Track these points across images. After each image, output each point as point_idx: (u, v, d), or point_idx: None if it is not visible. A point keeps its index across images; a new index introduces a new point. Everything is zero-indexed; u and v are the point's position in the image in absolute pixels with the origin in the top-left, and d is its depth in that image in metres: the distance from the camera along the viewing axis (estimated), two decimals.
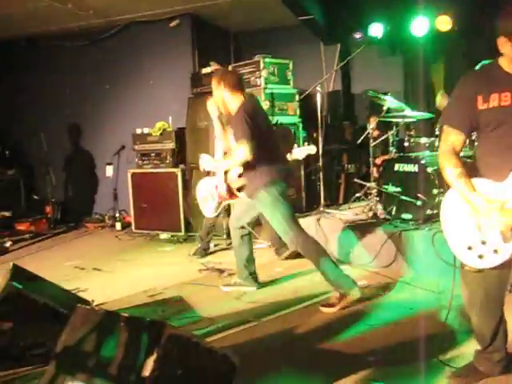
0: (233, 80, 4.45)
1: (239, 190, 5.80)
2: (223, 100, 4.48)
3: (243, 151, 4.20)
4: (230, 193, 5.76)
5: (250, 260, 4.97)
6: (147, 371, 2.31)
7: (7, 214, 8.28)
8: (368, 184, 6.17)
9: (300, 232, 4.37)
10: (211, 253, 6.37)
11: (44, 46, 8.68)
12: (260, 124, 4.36)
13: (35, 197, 9.26)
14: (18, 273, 3.61)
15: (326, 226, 5.87)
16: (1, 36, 8.31)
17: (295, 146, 6.26)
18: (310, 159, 6.73)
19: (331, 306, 4.24)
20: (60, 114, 8.78)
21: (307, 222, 6.08)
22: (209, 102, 4.81)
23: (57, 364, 2.64)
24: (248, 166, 4.43)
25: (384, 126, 6.34)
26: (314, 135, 6.66)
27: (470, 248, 2.59)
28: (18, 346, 3.37)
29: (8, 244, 7.21)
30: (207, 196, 5.92)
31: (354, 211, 6.19)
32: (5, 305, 3.34)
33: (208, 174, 6.07)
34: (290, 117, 6.80)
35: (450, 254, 2.71)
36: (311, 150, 5.85)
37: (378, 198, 5.77)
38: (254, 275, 4.97)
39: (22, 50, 8.82)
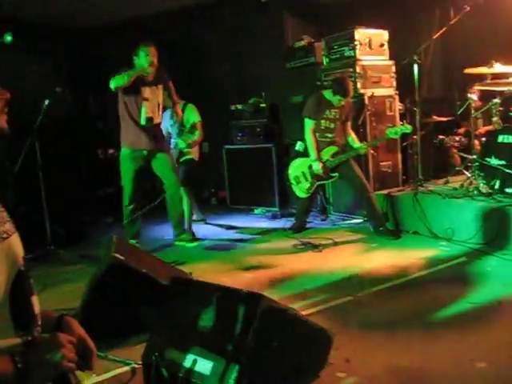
0: None
1: (333, 169, 5.82)
2: None
3: None
4: (326, 173, 5.81)
5: None
6: (244, 342, 2.34)
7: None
8: (469, 157, 5.90)
9: None
10: (306, 229, 6.35)
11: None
12: None
13: None
14: (120, 245, 3.77)
15: (424, 201, 5.68)
16: None
17: (389, 125, 6.16)
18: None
19: None
20: None
21: (404, 197, 5.94)
22: None
23: (157, 333, 2.74)
24: None
25: (487, 96, 6.00)
26: (411, 107, 6.42)
27: None
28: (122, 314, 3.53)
29: (110, 220, 7.58)
30: (300, 177, 5.95)
31: (453, 185, 5.95)
32: (108, 275, 3.50)
33: (299, 153, 6.10)
34: (385, 89, 6.60)
35: None
36: (406, 129, 5.72)
37: (479, 172, 5.50)
38: None
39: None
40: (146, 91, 5.54)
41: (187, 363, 2.52)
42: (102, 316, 3.45)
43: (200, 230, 6.59)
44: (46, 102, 5.70)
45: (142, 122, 5.56)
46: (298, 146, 6.22)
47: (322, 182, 6.07)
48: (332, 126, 5.88)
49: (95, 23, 8.45)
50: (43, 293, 4.43)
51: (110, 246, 3.80)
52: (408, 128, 5.74)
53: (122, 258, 3.48)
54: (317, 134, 5.87)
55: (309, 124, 5.82)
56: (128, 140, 5.61)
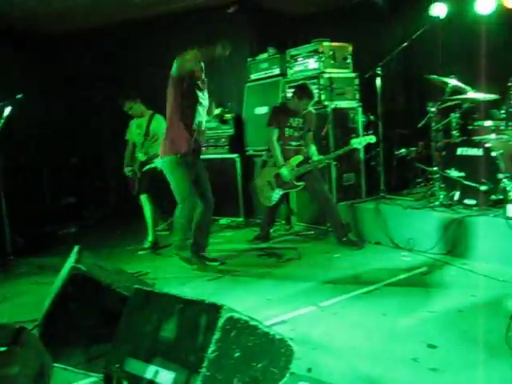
0: None
1: (299, 178, 5.87)
2: None
3: None
4: (292, 181, 5.85)
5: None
6: (206, 352, 2.35)
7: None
8: (430, 169, 6.03)
9: None
10: (270, 239, 6.37)
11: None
12: None
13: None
14: (82, 255, 3.72)
15: (386, 211, 5.77)
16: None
17: (354, 135, 6.27)
18: (369, 144, 6.63)
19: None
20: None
21: (366, 208, 6.02)
22: None
23: (118, 344, 2.72)
24: None
25: (447, 109, 6.15)
26: (374, 119, 6.54)
27: None
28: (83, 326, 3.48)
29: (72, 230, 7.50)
30: (265, 186, 5.99)
31: (414, 196, 6.07)
32: (70, 286, 3.45)
33: (265, 163, 6.13)
34: (348, 101, 6.71)
35: None
36: (371, 139, 5.82)
37: (440, 183, 5.62)
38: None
39: None
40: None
41: (149, 374, 2.51)
42: (64, 327, 3.40)
43: (163, 239, 6.57)
44: (8, 110, 5.61)
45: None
46: (264, 155, 6.26)
47: (288, 191, 6.13)
48: (296, 134, 5.95)
49: (58, 30, 8.38)
50: (3, 304, 4.36)
51: (71, 256, 3.75)
52: (372, 138, 5.85)
53: (83, 268, 3.44)
54: (280, 142, 5.93)
55: (273, 133, 5.88)
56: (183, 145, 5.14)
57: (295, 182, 5.88)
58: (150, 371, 2.51)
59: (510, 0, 6.08)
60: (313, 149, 6.01)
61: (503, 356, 3.00)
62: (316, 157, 5.93)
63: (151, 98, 6.51)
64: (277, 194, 5.98)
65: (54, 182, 8.45)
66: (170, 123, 5.18)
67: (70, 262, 3.60)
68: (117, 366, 2.60)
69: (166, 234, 7.03)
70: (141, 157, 6.35)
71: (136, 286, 2.98)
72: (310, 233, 6.59)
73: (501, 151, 5.04)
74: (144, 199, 6.30)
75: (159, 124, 6.41)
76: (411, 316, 3.76)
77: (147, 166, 6.40)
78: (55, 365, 2.90)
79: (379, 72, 6.14)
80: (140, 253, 6.17)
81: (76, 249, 3.76)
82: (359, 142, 5.82)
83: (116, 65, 8.68)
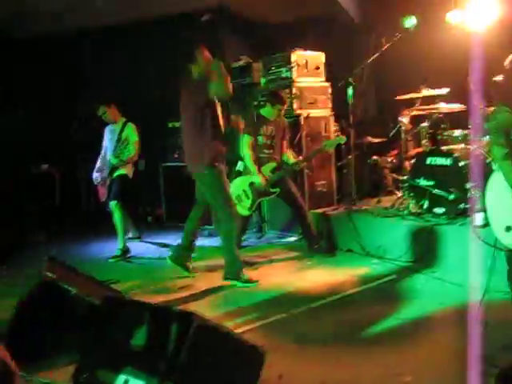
0: None
1: (274, 185, 5.88)
2: None
3: None
4: (267, 188, 5.86)
5: None
6: (177, 360, 2.34)
7: None
8: (400, 177, 6.10)
9: None
10: (242, 247, 6.37)
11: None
12: None
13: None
14: (52, 264, 3.68)
15: (357, 219, 5.82)
16: None
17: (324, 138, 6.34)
18: (341, 153, 6.70)
19: None
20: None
21: (338, 216, 6.07)
22: None
23: (88, 353, 2.69)
24: None
25: (417, 119, 6.25)
26: (346, 127, 6.62)
27: (508, 229, 2.62)
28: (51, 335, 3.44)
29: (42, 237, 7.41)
30: (241, 195, 5.99)
31: (385, 205, 6.14)
32: (38, 295, 3.41)
33: (240, 173, 6.13)
34: (321, 110, 6.76)
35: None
36: (340, 139, 5.90)
37: (409, 192, 5.69)
38: None
39: None
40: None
41: None
42: (31, 337, 3.35)
43: (135, 247, 6.51)
44: None
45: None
46: (239, 165, 6.26)
47: (264, 199, 6.13)
48: (269, 142, 5.97)
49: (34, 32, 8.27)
50: None
51: (41, 264, 3.70)
52: (341, 139, 5.95)
53: (52, 276, 3.40)
54: (254, 150, 5.93)
55: (247, 140, 5.88)
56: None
57: (270, 189, 5.89)
58: (119, 381, 2.49)
59: (452, 17, 6.15)
60: (287, 155, 6.03)
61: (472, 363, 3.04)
62: (291, 161, 5.96)
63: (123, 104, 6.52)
64: (254, 202, 5.98)
65: (23, 190, 8.30)
66: (199, 130, 4.89)
67: (39, 270, 3.56)
68: (86, 375, 2.57)
69: (137, 241, 6.98)
70: (112, 160, 6.30)
71: (106, 294, 2.96)
72: (281, 240, 6.61)
73: (468, 161, 5.13)
74: (113, 206, 6.24)
75: (130, 132, 6.40)
76: (381, 323, 3.80)
77: (117, 172, 6.34)
78: (21, 374, 2.85)
79: (351, 81, 6.21)
80: (110, 260, 6.11)
81: (45, 257, 3.72)
82: (330, 144, 5.91)
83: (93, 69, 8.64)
